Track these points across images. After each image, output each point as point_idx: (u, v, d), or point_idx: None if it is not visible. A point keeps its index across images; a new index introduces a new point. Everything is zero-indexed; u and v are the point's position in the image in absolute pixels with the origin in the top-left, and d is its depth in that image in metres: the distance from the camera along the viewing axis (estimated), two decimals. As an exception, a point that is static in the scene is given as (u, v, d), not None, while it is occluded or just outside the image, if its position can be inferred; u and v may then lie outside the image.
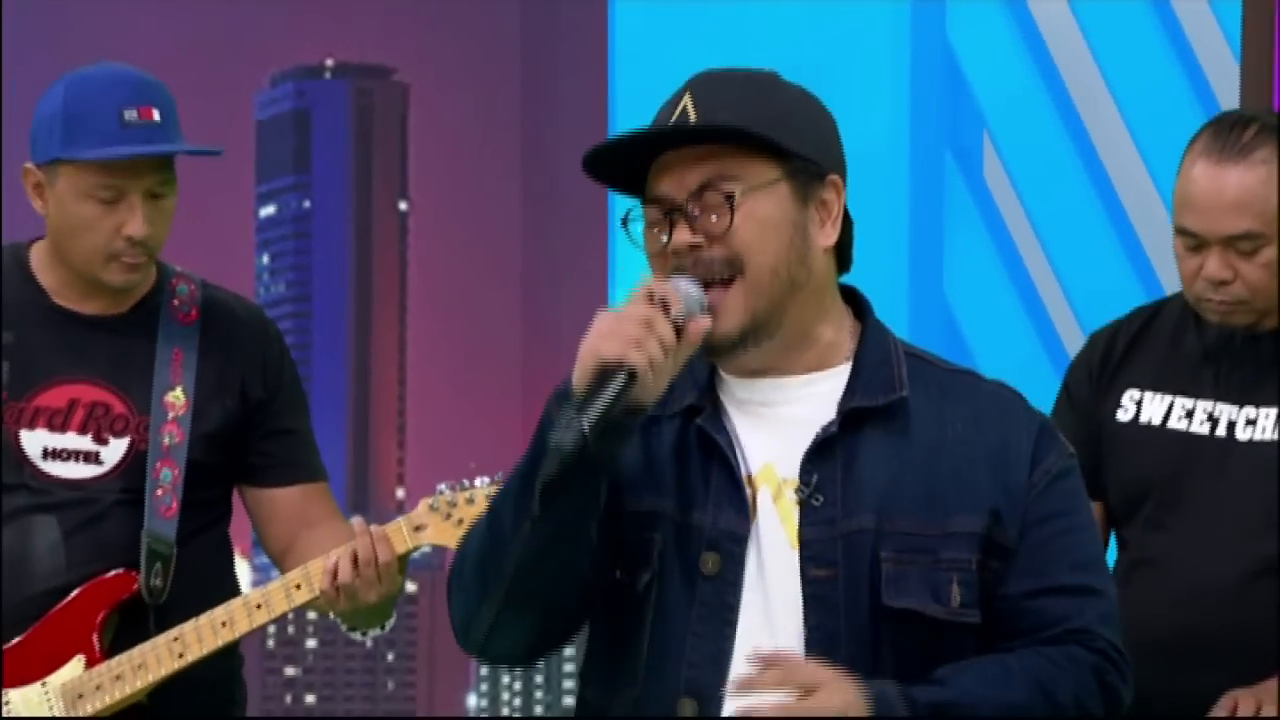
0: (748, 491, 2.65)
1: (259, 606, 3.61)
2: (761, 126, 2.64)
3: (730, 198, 2.62)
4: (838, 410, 2.66)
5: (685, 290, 2.60)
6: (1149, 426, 3.65)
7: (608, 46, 7.00)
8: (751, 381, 2.70)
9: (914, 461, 2.65)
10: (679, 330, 2.57)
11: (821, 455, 2.65)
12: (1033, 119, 6.55)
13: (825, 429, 2.65)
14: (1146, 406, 3.67)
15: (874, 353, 2.71)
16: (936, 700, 2.57)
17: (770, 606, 2.63)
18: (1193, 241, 3.56)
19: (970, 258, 6.70)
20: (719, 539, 2.64)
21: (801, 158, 2.67)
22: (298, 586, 3.58)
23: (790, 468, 2.65)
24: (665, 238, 2.64)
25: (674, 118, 2.65)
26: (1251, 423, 3.62)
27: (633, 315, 2.55)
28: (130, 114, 3.57)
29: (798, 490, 2.65)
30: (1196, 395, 3.65)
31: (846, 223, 2.72)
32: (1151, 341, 3.72)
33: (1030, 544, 2.66)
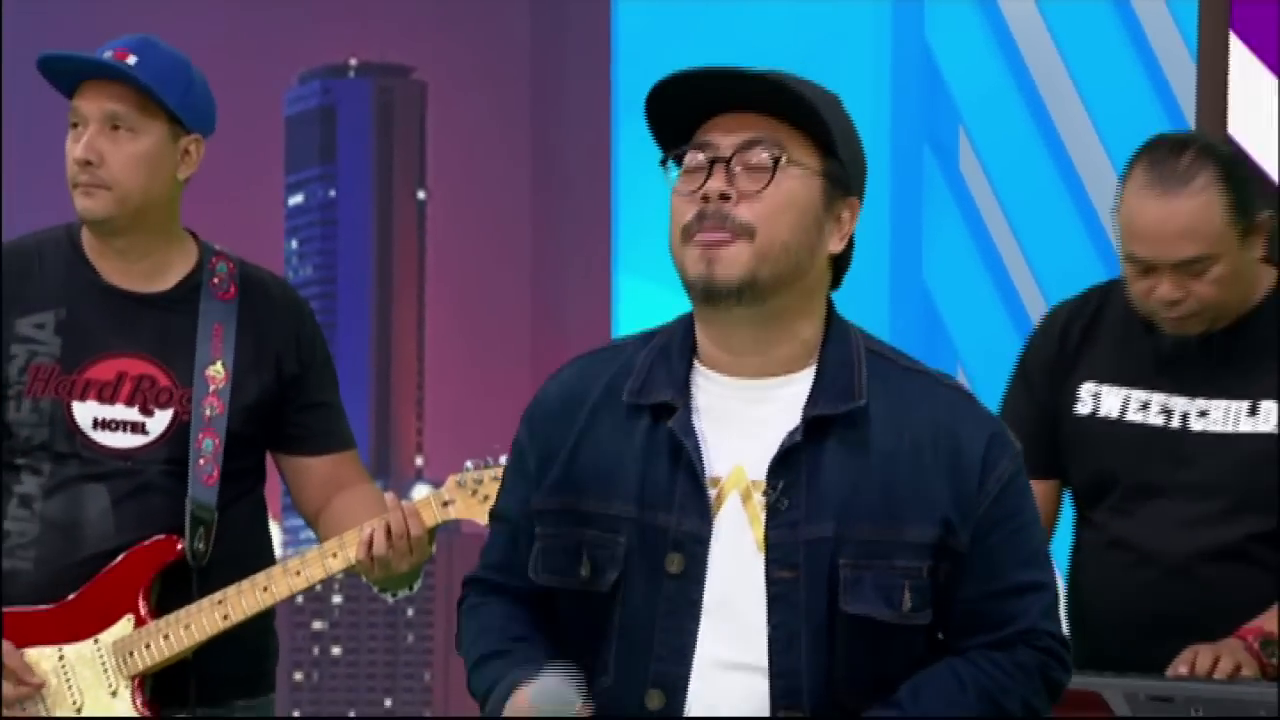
0: (710, 495, 2.63)
1: (298, 573, 3.60)
2: (818, 105, 2.61)
3: (777, 160, 2.60)
4: (802, 417, 2.63)
5: (551, 695, 2.57)
6: (1107, 420, 3.64)
7: (611, 47, 7.00)
8: (728, 379, 2.67)
9: (872, 470, 2.63)
10: None
11: (787, 463, 2.63)
12: (1005, 115, 6.55)
13: (790, 437, 2.63)
14: (1104, 400, 3.66)
15: (837, 354, 2.68)
16: None
17: (733, 603, 2.62)
18: (1143, 266, 3.54)
19: (947, 244, 6.70)
20: (683, 540, 2.63)
21: (841, 164, 2.65)
22: (334, 555, 3.58)
23: (758, 470, 2.63)
24: (701, 181, 2.61)
25: (728, 80, 2.62)
26: (1204, 414, 3.61)
27: None
28: (107, 54, 3.56)
29: (765, 494, 2.63)
30: (1151, 388, 3.64)
31: (849, 246, 2.71)
32: (1105, 332, 3.71)
33: (981, 549, 2.64)
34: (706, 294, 2.62)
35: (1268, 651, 3.39)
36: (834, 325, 2.70)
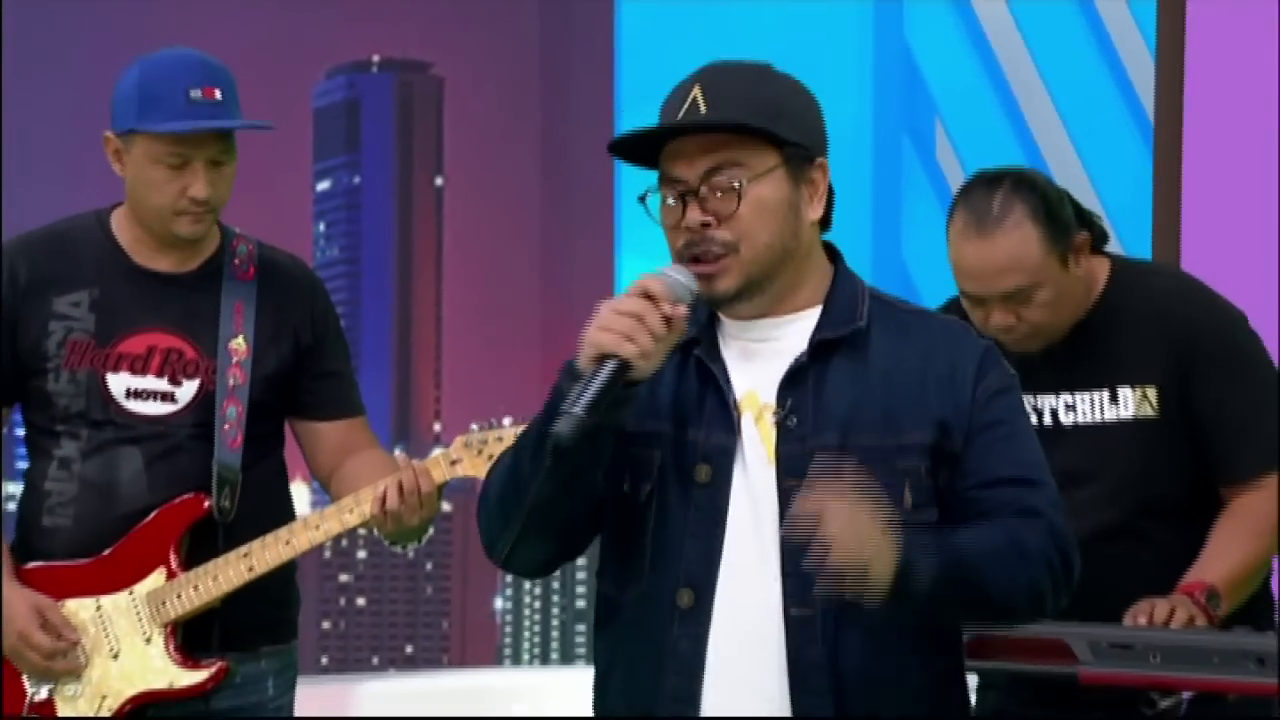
0: (735, 414, 2.66)
1: (317, 527, 3.62)
2: (761, 120, 2.64)
3: (737, 186, 2.63)
4: (809, 342, 2.67)
5: (674, 281, 2.61)
6: None
7: (614, 45, 6.99)
8: (743, 322, 2.71)
9: (873, 385, 2.66)
10: (669, 320, 2.58)
11: (794, 383, 2.66)
12: (978, 108, 6.56)
13: (797, 359, 2.66)
14: None
15: (842, 293, 2.72)
16: (936, 534, 2.58)
17: (754, 510, 2.63)
18: (974, 301, 3.54)
19: (924, 225, 6.71)
20: (711, 453, 2.65)
21: (795, 145, 2.67)
22: (350, 511, 3.59)
23: (769, 394, 2.66)
24: (680, 214, 2.65)
25: (684, 108, 2.65)
26: (1071, 409, 3.61)
27: (627, 310, 2.56)
28: (195, 92, 3.56)
29: (775, 414, 2.66)
30: (1021, 389, 3.63)
31: (830, 196, 2.73)
32: None
33: (975, 448, 2.66)
34: (711, 302, 2.68)
35: (1212, 604, 3.39)
36: (841, 272, 2.74)
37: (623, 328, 2.55)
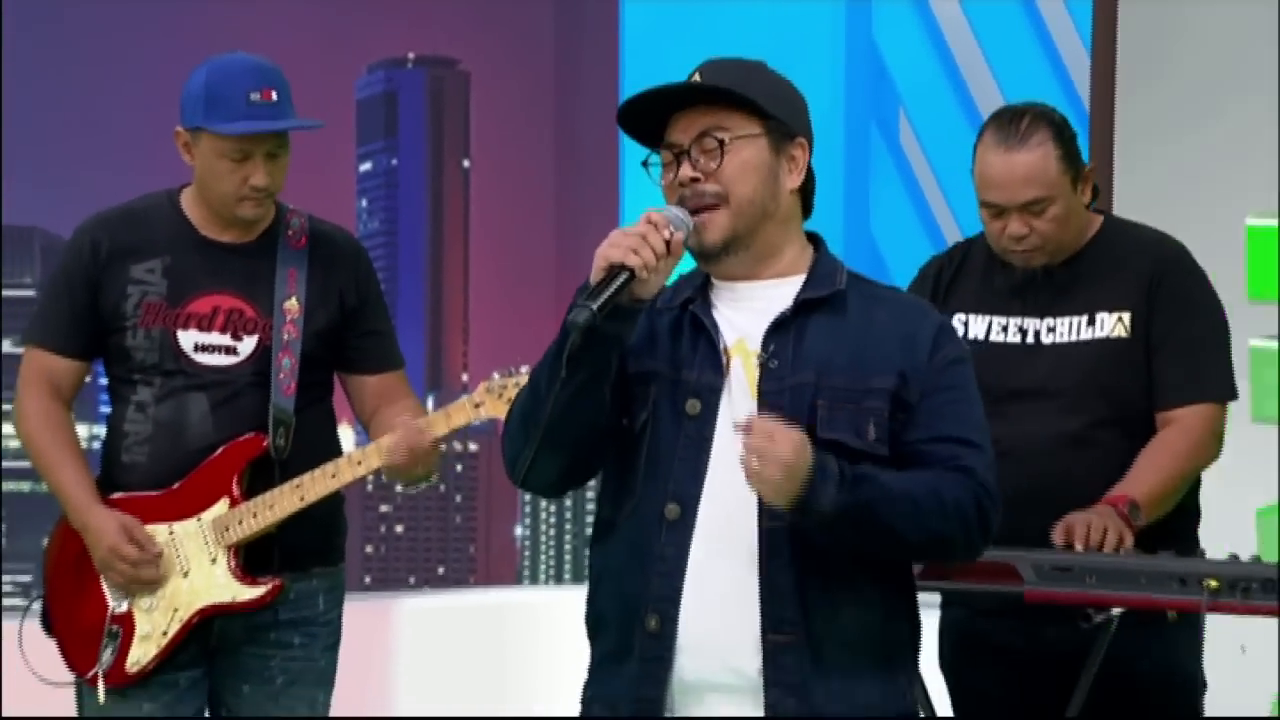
0: (723, 357, 2.67)
1: (359, 463, 3.62)
2: (749, 92, 2.68)
3: (722, 143, 2.66)
4: (793, 300, 2.69)
5: (675, 214, 2.65)
6: (976, 341, 3.63)
7: (619, 45, 6.98)
8: (732, 284, 2.73)
9: (846, 338, 2.67)
10: (669, 244, 2.61)
11: (778, 332, 2.67)
12: (936, 99, 6.56)
13: (782, 313, 2.68)
14: (972, 326, 3.67)
15: (824, 267, 2.73)
16: (859, 471, 2.58)
17: (735, 440, 2.62)
18: (995, 210, 3.55)
19: (889, 203, 6.72)
20: (701, 390, 2.67)
21: (777, 119, 2.70)
22: (444, 421, 3.61)
23: (756, 342, 2.68)
24: (673, 174, 2.68)
25: (675, 86, 2.70)
26: (1051, 330, 3.61)
27: (634, 230, 2.61)
28: (255, 95, 3.55)
29: (759, 357, 2.67)
30: (1008, 314, 3.64)
31: (810, 179, 2.75)
32: (968, 275, 3.72)
33: (927, 406, 2.66)
34: (701, 255, 2.70)
35: (1133, 515, 3.39)
36: (823, 252, 2.76)
37: (629, 243, 2.58)
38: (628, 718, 2.66)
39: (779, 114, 2.70)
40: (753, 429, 2.54)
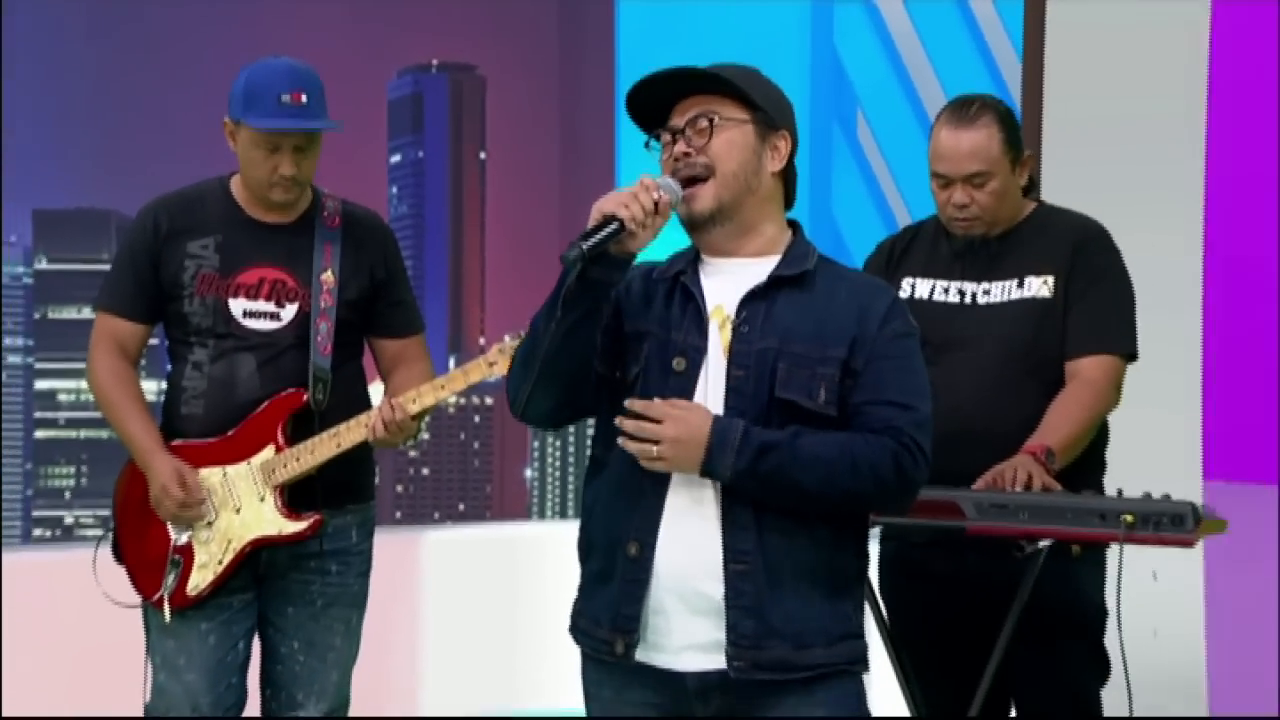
0: (707, 322, 2.67)
1: (365, 424, 3.59)
2: (741, 84, 2.68)
3: (712, 121, 2.66)
4: (768, 276, 2.68)
5: (667, 181, 2.65)
6: (921, 300, 3.63)
7: (614, 52, 6.96)
8: (717, 260, 2.71)
9: (809, 311, 2.65)
10: (657, 204, 2.60)
11: (751, 301, 2.66)
12: (889, 99, 6.55)
13: (756, 286, 2.67)
14: (918, 288, 3.66)
15: (798, 249, 2.72)
16: (766, 439, 2.57)
17: (710, 391, 2.64)
18: (944, 181, 3.56)
19: (849, 191, 6.71)
20: (687, 349, 2.66)
21: (764, 111, 2.69)
22: (414, 401, 3.57)
23: (732, 309, 2.67)
24: (670, 149, 2.69)
25: (669, 72, 2.69)
26: (986, 293, 3.60)
27: (628, 189, 2.61)
28: (285, 97, 3.52)
29: (732, 321, 2.66)
30: (949, 278, 3.64)
31: (792, 170, 2.75)
32: (918, 246, 3.71)
33: (871, 371, 2.64)
34: (690, 225, 2.69)
35: (1050, 460, 3.38)
36: (799, 236, 2.75)
37: (622, 198, 2.58)
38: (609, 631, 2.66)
39: (766, 107, 2.69)
40: (650, 411, 2.55)
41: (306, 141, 3.54)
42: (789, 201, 2.76)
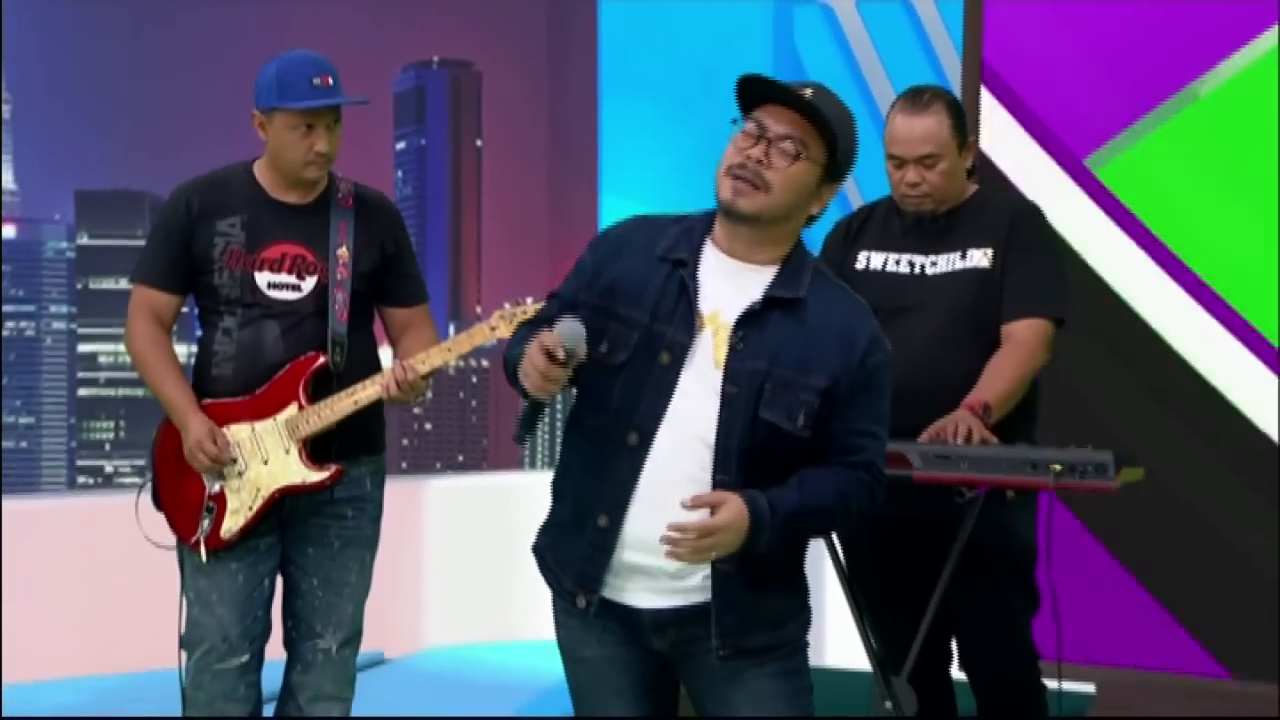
0: (698, 321, 2.60)
1: (375, 385, 3.57)
2: (838, 131, 2.59)
3: (799, 155, 2.57)
4: (764, 294, 2.61)
5: (567, 332, 2.53)
6: (874, 271, 3.63)
7: (597, 46, 6.92)
8: (725, 258, 2.64)
9: (799, 337, 2.59)
10: (566, 359, 2.51)
11: (748, 321, 2.59)
12: (844, 92, 6.51)
13: (753, 305, 2.60)
14: (872, 260, 3.66)
15: (795, 262, 2.64)
16: (788, 510, 2.53)
17: (695, 395, 2.58)
18: (898, 161, 3.56)
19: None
20: (674, 345, 2.59)
21: (836, 163, 2.62)
22: (423, 362, 3.55)
23: (730, 318, 2.60)
24: (753, 143, 2.58)
25: (799, 91, 2.58)
26: (934, 264, 3.60)
27: (534, 369, 2.51)
28: (316, 80, 3.51)
29: (731, 337, 2.59)
30: (900, 251, 3.63)
31: (822, 209, 2.67)
32: (872, 223, 3.70)
33: (849, 400, 2.59)
34: (728, 213, 2.60)
35: (987, 415, 3.38)
36: (799, 248, 2.67)
37: (535, 381, 2.50)
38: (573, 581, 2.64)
39: (841, 160, 2.62)
40: (705, 530, 2.47)
41: (336, 120, 3.54)
42: (810, 222, 2.68)
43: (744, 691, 2.62)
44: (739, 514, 2.49)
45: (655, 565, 2.58)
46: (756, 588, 2.60)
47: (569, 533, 2.66)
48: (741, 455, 2.55)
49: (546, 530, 2.74)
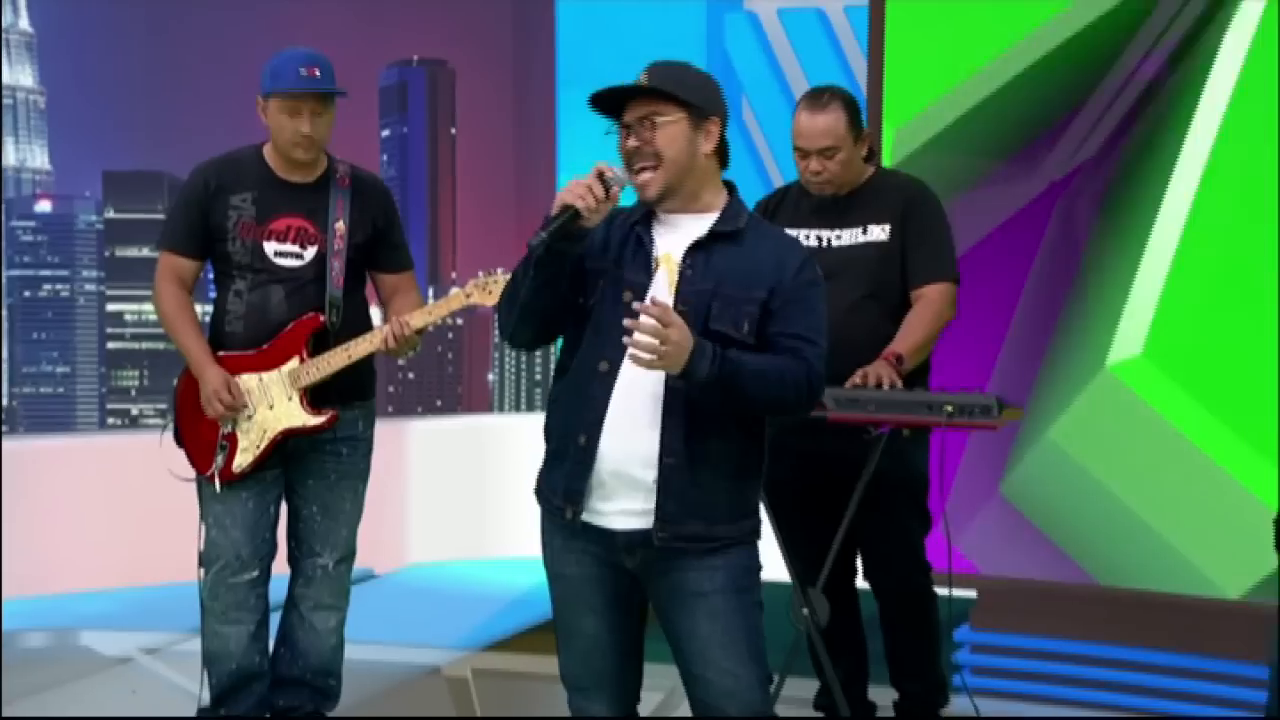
0: (653, 265, 2.64)
1: (370, 340, 3.56)
2: (674, 89, 2.62)
3: (654, 122, 2.62)
4: (708, 231, 2.65)
5: (619, 172, 2.61)
6: None
7: (555, 47, 6.88)
8: (668, 215, 2.68)
9: (739, 261, 2.62)
10: (609, 189, 2.57)
11: (695, 251, 2.63)
12: (767, 91, 6.52)
13: (699, 238, 2.64)
14: None
15: (733, 209, 2.68)
16: (728, 353, 2.55)
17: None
18: (802, 153, 3.55)
19: (737, 162, 6.68)
20: (635, 285, 2.63)
21: (695, 105, 2.63)
22: (410, 321, 3.53)
23: (678, 256, 2.64)
24: (625, 141, 2.64)
25: (636, 81, 2.64)
26: (839, 238, 3.59)
27: (584, 180, 2.56)
28: (303, 71, 3.48)
29: (680, 266, 2.63)
30: (810, 227, 3.62)
31: (724, 145, 2.70)
32: (786, 203, 3.69)
33: (783, 309, 2.62)
34: (645, 204, 2.65)
35: (900, 365, 3.39)
36: (735, 199, 2.71)
37: (578, 190, 2.55)
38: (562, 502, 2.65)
39: (696, 101, 2.63)
40: (654, 312, 2.49)
41: (321, 107, 3.49)
42: (723, 164, 2.71)
43: (704, 605, 2.64)
44: (688, 333, 2.51)
45: (629, 474, 2.59)
46: (698, 484, 2.61)
47: (557, 460, 2.68)
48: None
49: (541, 469, 2.75)
